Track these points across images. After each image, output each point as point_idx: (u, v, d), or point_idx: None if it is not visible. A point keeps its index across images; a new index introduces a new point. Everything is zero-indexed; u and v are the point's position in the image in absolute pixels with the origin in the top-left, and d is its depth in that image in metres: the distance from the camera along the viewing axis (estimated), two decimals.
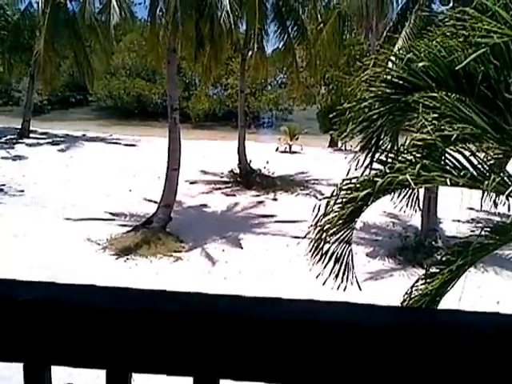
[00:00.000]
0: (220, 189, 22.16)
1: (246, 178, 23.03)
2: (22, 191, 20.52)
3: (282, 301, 0.86)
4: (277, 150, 30.63)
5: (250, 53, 23.02)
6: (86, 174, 23.20)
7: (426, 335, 0.79)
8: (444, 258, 6.17)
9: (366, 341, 0.79)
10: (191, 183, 21.91)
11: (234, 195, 21.39)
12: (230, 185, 22.80)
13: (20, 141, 31.01)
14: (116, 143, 32.34)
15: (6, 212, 17.92)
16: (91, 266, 13.21)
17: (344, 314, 0.84)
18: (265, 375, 0.81)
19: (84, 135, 33.97)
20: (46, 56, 20.74)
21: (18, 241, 15.10)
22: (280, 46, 22.69)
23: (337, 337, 0.79)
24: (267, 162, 24.12)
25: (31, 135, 32.49)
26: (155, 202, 17.25)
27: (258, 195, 21.40)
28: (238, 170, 23.85)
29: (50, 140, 31.85)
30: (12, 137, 31.79)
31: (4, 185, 21.33)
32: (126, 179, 22.43)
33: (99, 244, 15.44)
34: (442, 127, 6.25)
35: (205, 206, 19.65)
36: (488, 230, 5.97)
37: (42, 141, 31.62)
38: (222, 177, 23.84)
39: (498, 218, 6.60)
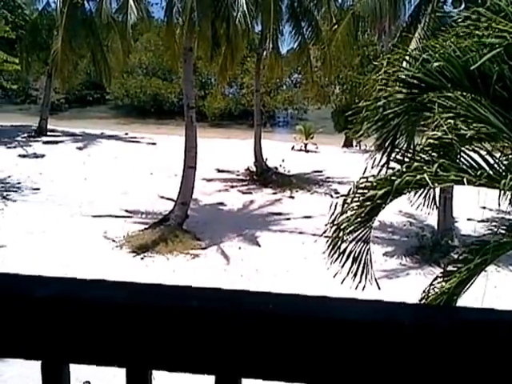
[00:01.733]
0: (236, 187, 22.26)
1: (262, 176, 23.15)
2: (39, 189, 20.65)
3: (306, 297, 0.84)
4: (292, 148, 30.67)
5: (265, 53, 23.23)
6: (103, 171, 23.32)
7: (449, 334, 0.77)
8: (461, 257, 6.19)
9: (392, 340, 0.77)
10: (208, 181, 21.98)
11: (251, 193, 21.48)
12: (246, 183, 22.90)
13: (37, 139, 31.15)
14: (133, 141, 32.46)
15: (22, 209, 18.08)
16: (108, 263, 13.28)
17: (370, 312, 0.82)
18: (287, 374, 0.79)
19: (102, 133, 34.15)
20: (63, 55, 20.88)
21: (35, 238, 15.22)
22: (295, 46, 22.82)
23: (362, 336, 0.77)
24: (283, 161, 24.18)
25: (48, 133, 32.65)
26: (172, 200, 17.32)
27: (274, 193, 21.46)
28: (254, 168, 23.97)
29: (68, 138, 32.00)
30: (29, 135, 31.97)
31: (20, 182, 21.51)
32: (143, 177, 22.54)
33: (116, 241, 15.54)
34: (458, 127, 6.28)
35: (221, 203, 19.72)
36: (504, 228, 5.98)
37: (59, 139, 31.74)
38: (238, 175, 23.96)
39: None
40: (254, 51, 25.34)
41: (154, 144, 31.09)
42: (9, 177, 22.15)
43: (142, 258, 14.54)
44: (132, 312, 0.81)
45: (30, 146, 29.26)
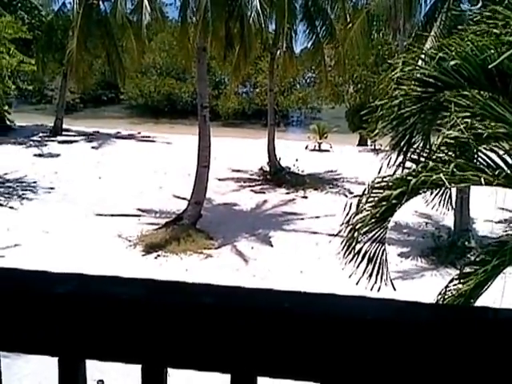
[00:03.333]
0: (250, 186, 22.21)
1: (276, 175, 23.06)
2: (54, 188, 20.77)
3: (322, 295, 0.84)
4: (306, 148, 30.53)
5: (279, 52, 23.17)
6: (117, 171, 23.39)
7: (469, 333, 0.76)
8: (478, 258, 6.08)
9: (412, 339, 0.76)
10: (221, 180, 21.93)
11: (264, 193, 21.42)
12: (259, 182, 22.84)
13: (53, 138, 31.28)
14: (147, 141, 32.55)
15: (38, 208, 18.19)
16: (122, 263, 13.31)
17: (389, 311, 0.81)
18: (303, 373, 0.78)
19: (116, 133, 34.30)
20: (78, 55, 20.99)
21: (50, 237, 15.30)
22: (309, 46, 22.75)
23: (381, 334, 0.77)
24: (296, 160, 24.05)
25: (63, 133, 32.79)
26: (185, 199, 17.34)
27: (287, 193, 21.37)
28: (267, 168, 23.90)
29: (82, 138, 32.15)
30: (45, 134, 32.09)
31: (36, 182, 21.62)
32: (157, 176, 22.56)
33: (130, 240, 15.57)
34: (475, 126, 6.17)
35: (234, 203, 19.69)
36: None
37: (73, 138, 31.90)
38: (251, 174, 23.88)
39: None
40: (267, 50, 25.27)
41: (167, 143, 31.16)
42: (25, 176, 22.28)
43: (155, 258, 14.57)
44: (149, 309, 0.81)
45: (46, 145, 29.44)
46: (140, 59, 26.94)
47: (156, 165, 24.54)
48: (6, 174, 22.51)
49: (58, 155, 27.10)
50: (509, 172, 5.71)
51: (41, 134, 32.03)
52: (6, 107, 22.97)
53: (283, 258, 14.31)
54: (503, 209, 13.91)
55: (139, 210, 18.20)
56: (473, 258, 6.30)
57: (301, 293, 0.83)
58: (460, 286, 5.92)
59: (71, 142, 30.96)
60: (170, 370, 0.83)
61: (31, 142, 29.81)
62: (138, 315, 0.81)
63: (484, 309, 0.81)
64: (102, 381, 6.77)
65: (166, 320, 0.80)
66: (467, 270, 6.09)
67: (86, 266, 11.99)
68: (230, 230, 16.42)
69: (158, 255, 14.70)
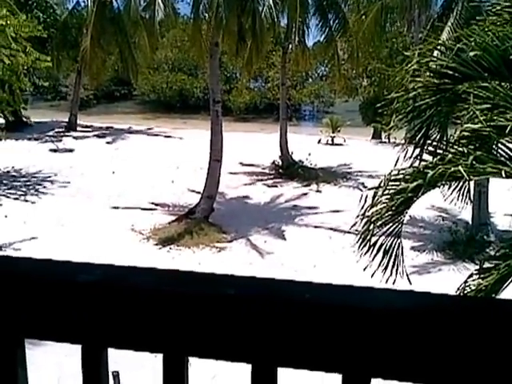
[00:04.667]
0: (262, 180, 22.14)
1: (289, 169, 22.98)
2: (69, 182, 20.89)
3: (344, 287, 0.82)
4: (319, 142, 30.37)
5: (291, 46, 23.02)
6: (131, 165, 23.49)
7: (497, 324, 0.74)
8: (499, 253, 5.92)
9: (438, 329, 0.74)
10: (233, 174, 21.84)
11: (276, 187, 21.33)
12: (272, 176, 22.77)
13: (67, 134, 31.56)
14: (159, 136, 32.68)
15: (53, 202, 18.31)
16: (135, 255, 13.34)
17: (410, 301, 0.80)
18: (324, 364, 0.77)
19: (130, 128, 34.49)
20: (92, 52, 21.13)
21: (65, 230, 15.42)
22: (321, 39, 22.56)
23: (399, 325, 0.75)
24: (309, 154, 23.93)
25: (78, 128, 33.12)
26: (198, 193, 17.34)
27: (300, 187, 21.27)
28: (279, 162, 23.80)
29: (96, 133, 32.40)
30: (60, 130, 32.35)
31: (51, 176, 21.79)
32: (170, 170, 22.61)
33: (143, 234, 15.60)
34: (495, 118, 5.99)
35: (247, 197, 19.64)
36: None
37: (88, 134, 32.19)
38: (263, 168, 23.79)
39: None
40: (279, 45, 25.13)
41: (179, 138, 31.21)
42: (41, 170, 22.48)
43: (168, 251, 14.58)
44: (171, 298, 0.81)
45: (61, 140, 29.65)
46: (152, 55, 27.20)
47: (169, 159, 24.58)
48: (21, 169, 22.69)
49: (72, 150, 27.29)
50: None
51: (56, 130, 32.25)
52: (23, 104, 23.08)
53: (296, 251, 14.22)
54: None
55: (152, 203, 18.25)
56: (492, 253, 6.12)
57: (321, 284, 0.82)
58: (480, 280, 5.76)
59: (85, 137, 31.22)
60: (190, 360, 0.83)
61: (47, 138, 30.05)
62: (160, 305, 0.81)
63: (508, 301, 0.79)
64: (117, 372, 6.74)
65: (188, 310, 0.80)
66: (487, 264, 5.93)
67: (100, 258, 11.95)
68: (242, 223, 16.37)
69: (171, 248, 14.71)
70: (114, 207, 17.67)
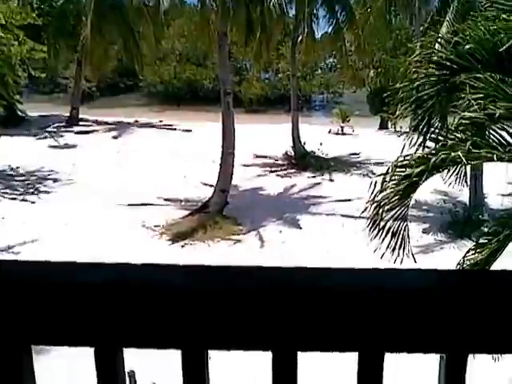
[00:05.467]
0: (275, 171, 22.83)
1: (301, 160, 23.71)
2: (72, 179, 20.84)
3: (356, 270, 0.87)
4: (329, 132, 31.24)
5: (300, 37, 23.60)
6: (139, 160, 23.51)
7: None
8: (491, 230, 6.82)
9: (445, 303, 0.82)
10: (246, 166, 22.40)
11: (290, 177, 22.08)
12: (284, 167, 23.49)
13: (69, 129, 30.80)
14: (168, 129, 32.61)
15: (56, 201, 18.24)
16: (148, 252, 13.53)
17: (419, 278, 0.87)
18: (341, 345, 0.83)
19: (136, 121, 34.29)
20: (92, 41, 20.69)
21: (71, 229, 15.38)
22: (329, 31, 23.51)
23: (416, 301, 0.82)
24: (321, 144, 24.78)
25: (80, 123, 32.28)
26: (211, 187, 17.77)
27: (313, 177, 22.07)
28: (292, 153, 24.55)
29: (100, 127, 31.91)
30: (60, 124, 31.60)
31: (51, 174, 21.69)
32: (180, 164, 22.80)
33: (155, 230, 15.88)
34: (487, 106, 6.88)
35: (261, 188, 20.24)
36: None
37: (91, 128, 31.56)
38: (276, 160, 24.51)
39: None
40: (288, 36, 25.87)
41: (189, 131, 31.34)
42: (40, 168, 22.31)
43: (182, 246, 14.95)
44: (187, 294, 0.83)
45: (62, 136, 29.18)
46: (158, 45, 26.45)
47: (179, 153, 24.68)
48: (18, 167, 22.44)
49: (74, 146, 26.90)
50: None
51: (56, 125, 31.46)
52: (17, 97, 22.02)
53: (311, 239, 14.93)
54: None
55: (163, 199, 18.44)
56: (486, 230, 7.02)
57: (336, 269, 0.86)
58: (476, 255, 6.68)
59: (89, 132, 30.69)
60: (210, 353, 0.86)
61: (46, 134, 29.43)
62: (176, 301, 0.83)
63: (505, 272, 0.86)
64: (133, 371, 7.00)
65: (205, 304, 0.82)
66: (482, 240, 6.84)
67: (110, 257, 12.47)
68: (257, 215, 16.93)
69: (185, 244, 15.04)
70: (123, 204, 17.62)
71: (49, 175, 21.65)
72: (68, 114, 33.02)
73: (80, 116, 33.32)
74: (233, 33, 19.30)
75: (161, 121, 35.25)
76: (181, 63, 43.92)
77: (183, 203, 18.40)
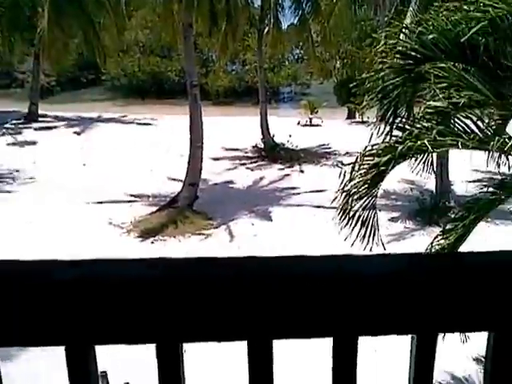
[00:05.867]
0: (245, 164, 23.11)
1: (271, 152, 24.03)
2: (33, 178, 20.57)
3: (329, 256, 0.88)
4: (298, 123, 31.64)
5: (267, 28, 23.81)
6: (103, 156, 23.33)
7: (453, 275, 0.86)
8: (457, 215, 7.17)
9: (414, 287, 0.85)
10: (215, 160, 22.58)
11: (260, 170, 22.39)
12: (254, 160, 23.79)
13: (28, 125, 30.38)
14: (134, 123, 32.55)
15: (17, 199, 17.97)
16: (117, 250, 13.38)
17: (391, 264, 0.89)
18: (316, 331, 0.84)
19: (99, 116, 34.07)
20: (50, 34, 20.30)
21: (34, 227, 15.19)
22: (295, 22, 23.76)
23: (388, 286, 0.84)
24: (290, 136, 25.10)
25: (40, 119, 31.81)
26: (179, 181, 17.83)
27: (283, 168, 22.43)
28: (261, 145, 24.85)
29: (61, 123, 31.51)
30: (18, 121, 31.09)
31: (12, 172, 21.32)
32: (147, 159, 22.77)
33: (123, 227, 15.82)
34: (451, 95, 7.23)
35: (231, 182, 20.46)
36: (493, 186, 6.99)
37: (52, 124, 31.22)
38: (246, 152, 24.78)
39: (499, 177, 7.63)
40: (254, 27, 26.09)
41: (156, 125, 31.36)
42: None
43: (152, 243, 14.98)
44: (162, 287, 0.82)
45: (20, 133, 28.70)
46: (120, 37, 26.11)
47: (145, 148, 24.67)
48: None
49: (34, 143, 26.52)
50: (481, 136, 6.79)
51: (13, 121, 31.01)
52: None
53: (283, 231, 15.22)
54: (476, 170, 15.94)
55: (130, 195, 18.43)
56: (453, 216, 7.38)
57: (308, 256, 0.87)
58: (443, 241, 7.02)
59: (49, 128, 30.26)
60: (185, 346, 0.86)
61: (3, 130, 29.07)
62: (148, 295, 0.82)
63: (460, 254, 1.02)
64: (105, 372, 6.96)
65: (182, 296, 0.82)
66: (449, 226, 7.19)
67: (77, 256, 12.32)
68: (228, 208, 17.10)
69: (155, 240, 15.08)
70: (88, 201, 17.49)
71: (10, 174, 21.31)
72: (27, 110, 32.39)
73: (40, 112, 32.75)
74: (198, 24, 19.31)
75: (125, 115, 35.06)
76: (145, 55, 43.80)
77: (151, 199, 18.42)
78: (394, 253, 0.91)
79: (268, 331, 0.84)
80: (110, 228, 15.79)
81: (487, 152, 6.79)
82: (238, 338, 0.84)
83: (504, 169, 6.55)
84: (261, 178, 21.12)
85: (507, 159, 6.42)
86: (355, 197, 7.57)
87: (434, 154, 8.00)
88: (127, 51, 42.91)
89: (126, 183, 19.47)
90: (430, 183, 17.24)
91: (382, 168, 7.41)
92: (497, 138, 6.35)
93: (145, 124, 32.28)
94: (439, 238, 7.23)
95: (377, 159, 7.41)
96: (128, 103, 40.98)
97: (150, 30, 40.94)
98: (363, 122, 26.28)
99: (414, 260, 0.93)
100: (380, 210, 8.48)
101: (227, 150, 24.77)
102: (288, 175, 21.58)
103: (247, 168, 22.71)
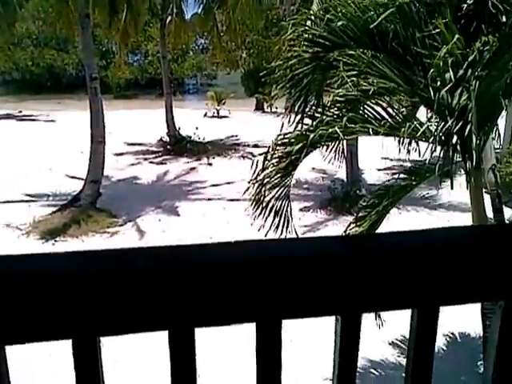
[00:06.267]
0: (150, 159, 22.73)
1: (177, 145, 23.72)
2: None
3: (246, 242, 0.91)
4: (205, 115, 31.53)
5: (169, 18, 23.49)
6: None
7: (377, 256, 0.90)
8: (369, 203, 7.29)
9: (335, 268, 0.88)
10: (118, 155, 22.21)
11: (166, 164, 22.05)
12: (160, 154, 23.42)
13: None
14: (29, 120, 31.54)
15: None
16: (16, 252, 12.91)
17: (316, 247, 0.93)
18: (236, 318, 0.87)
19: None
20: None
21: None
22: (199, 11, 23.60)
23: (316, 267, 0.87)
24: (197, 128, 24.91)
25: None
26: (81, 179, 17.36)
27: (190, 162, 22.22)
28: (167, 139, 24.50)
29: None
30: None
31: None
32: (45, 157, 22.15)
33: (21, 229, 15.28)
34: (361, 83, 7.31)
35: (136, 177, 20.08)
36: (403, 173, 7.17)
37: None
38: (151, 147, 24.39)
39: (409, 164, 7.88)
40: (156, 16, 25.68)
41: (53, 121, 30.52)
42: None
43: (53, 244, 14.47)
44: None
45: None
46: (11, 29, 25.54)
47: (43, 145, 24.01)
48: None
49: None
50: (392, 122, 6.91)
51: None
52: None
53: (192, 226, 15.06)
54: (386, 158, 16.77)
55: (27, 195, 17.85)
56: (364, 204, 7.50)
57: (222, 243, 0.90)
58: (357, 228, 7.12)
59: None
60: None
61: None
62: (68, 286, 0.80)
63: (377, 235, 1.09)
64: None
65: (95, 288, 0.81)
66: (361, 214, 7.30)
67: None
68: (133, 205, 16.82)
69: (56, 241, 14.64)
70: None
71: None
72: None
73: None
74: (96, 14, 18.77)
75: (20, 111, 34.00)
76: (38, 48, 42.37)
77: (51, 198, 17.84)
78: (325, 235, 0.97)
79: (190, 320, 0.85)
80: (7, 230, 15.13)
81: (398, 139, 6.90)
82: (160, 328, 0.85)
83: (414, 155, 6.67)
84: (165, 173, 20.81)
85: (417, 145, 6.54)
86: (268, 187, 7.57)
87: (345, 143, 8.08)
88: (19, 44, 41.41)
89: (23, 183, 18.78)
90: (342, 172, 17.53)
91: (295, 156, 7.45)
92: (408, 124, 6.49)
93: (41, 120, 31.24)
94: (352, 225, 7.33)
95: (289, 148, 7.46)
96: (21, 99, 39.62)
97: (44, 21, 39.66)
98: (272, 113, 26.57)
99: (339, 242, 0.98)
100: (293, 200, 8.51)
101: (131, 144, 24.34)
102: (193, 168, 21.43)
103: (152, 163, 22.35)
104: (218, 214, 15.99)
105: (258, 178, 7.32)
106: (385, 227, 7.03)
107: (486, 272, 0.91)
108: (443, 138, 5.85)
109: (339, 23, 7.16)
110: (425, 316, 0.94)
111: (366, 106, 7.27)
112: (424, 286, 0.90)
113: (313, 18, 8.32)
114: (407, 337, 0.98)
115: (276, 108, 19.99)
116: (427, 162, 6.69)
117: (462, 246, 0.93)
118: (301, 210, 15.97)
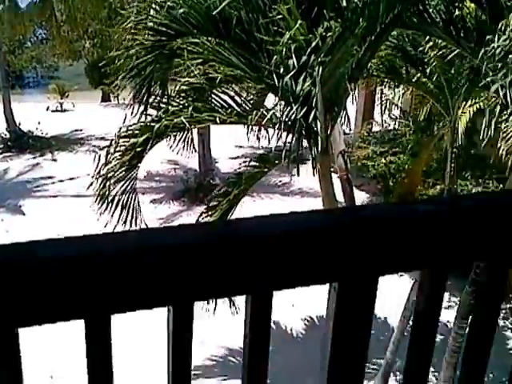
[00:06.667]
0: None
1: (18, 141, 22.20)
2: None
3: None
4: (47, 109, 29.76)
5: (1, 6, 22.05)
6: None
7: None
8: (221, 191, 7.01)
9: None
10: None
11: (7, 161, 20.61)
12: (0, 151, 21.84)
13: None
14: None
15: None
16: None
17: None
18: (152, 302, 0.86)
19: None
20: None
21: None
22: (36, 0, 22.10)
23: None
24: (39, 123, 23.40)
25: None
26: None
27: (33, 158, 20.90)
28: (7, 135, 22.81)
29: None
30: None
31: None
32: None
33: None
34: (207, 71, 6.98)
35: None
36: (255, 161, 6.94)
37: None
38: None
39: (261, 151, 7.71)
40: None
41: None
42: None
43: None
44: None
45: None
46: None
47: None
48: None
49: None
50: (239, 110, 6.65)
51: None
52: None
53: (38, 225, 14.19)
54: (240, 146, 16.73)
55: None
56: (216, 192, 7.23)
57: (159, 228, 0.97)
58: (209, 217, 6.81)
59: None
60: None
61: None
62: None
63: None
64: None
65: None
66: (213, 203, 7.01)
67: None
68: None
69: None
70: None
71: None
72: None
73: None
74: None
75: None
76: None
77: None
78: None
79: (106, 307, 0.85)
80: None
81: (247, 127, 6.65)
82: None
83: (264, 142, 6.46)
84: (6, 170, 19.44)
85: (267, 132, 6.32)
86: (113, 181, 7.08)
87: (194, 132, 7.74)
88: None
89: None
90: (195, 162, 17.15)
91: (140, 149, 7.07)
92: (254, 111, 6.25)
93: None
94: (204, 215, 7.02)
95: (133, 140, 7.06)
96: None
97: None
98: (119, 104, 25.56)
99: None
100: (144, 193, 8.16)
101: None
102: (37, 164, 20.17)
103: None
104: (64, 211, 15.14)
105: (102, 173, 6.77)
106: (238, 214, 6.78)
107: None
108: (289, 123, 5.67)
109: (181, 10, 6.77)
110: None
111: (213, 95, 6.96)
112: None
113: (153, 5, 7.88)
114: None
115: (124, 99, 19.17)
116: (277, 148, 6.49)
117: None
118: (152, 202, 15.54)
